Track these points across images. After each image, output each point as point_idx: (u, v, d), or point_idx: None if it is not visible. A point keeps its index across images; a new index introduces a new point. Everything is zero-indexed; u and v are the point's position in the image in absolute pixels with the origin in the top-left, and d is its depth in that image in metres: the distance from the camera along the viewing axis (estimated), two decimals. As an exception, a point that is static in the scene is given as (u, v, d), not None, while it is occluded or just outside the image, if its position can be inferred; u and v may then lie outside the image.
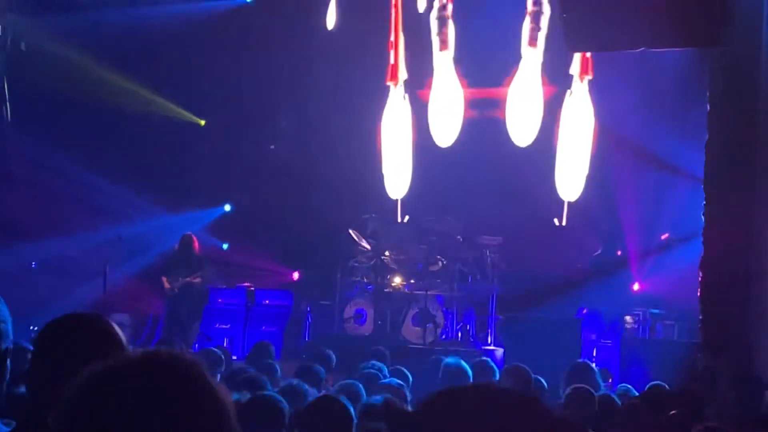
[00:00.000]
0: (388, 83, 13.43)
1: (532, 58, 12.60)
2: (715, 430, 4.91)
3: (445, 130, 13.08)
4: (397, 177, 13.41)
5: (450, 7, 12.91)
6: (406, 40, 13.36)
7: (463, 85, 13.22)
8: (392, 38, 13.26)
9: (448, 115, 13.06)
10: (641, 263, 15.46)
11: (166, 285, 14.60)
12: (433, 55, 13.10)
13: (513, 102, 12.83)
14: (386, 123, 13.47)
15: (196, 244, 14.93)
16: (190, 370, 1.52)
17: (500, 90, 13.54)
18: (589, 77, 12.52)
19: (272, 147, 18.01)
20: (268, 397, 5.65)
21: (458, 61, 13.17)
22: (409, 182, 13.42)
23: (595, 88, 12.65)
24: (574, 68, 12.48)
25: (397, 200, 13.52)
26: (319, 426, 5.01)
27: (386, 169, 13.52)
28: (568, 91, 12.71)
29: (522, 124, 12.73)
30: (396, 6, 13.17)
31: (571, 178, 12.75)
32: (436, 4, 12.93)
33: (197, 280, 14.65)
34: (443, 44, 12.98)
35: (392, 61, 13.27)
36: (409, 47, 13.38)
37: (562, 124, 12.68)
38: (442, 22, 12.95)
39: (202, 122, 17.59)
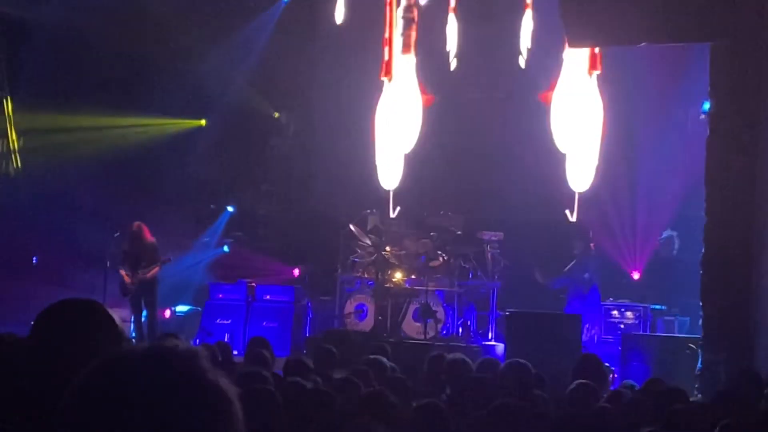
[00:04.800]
0: (382, 78, 13.32)
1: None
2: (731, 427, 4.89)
3: (401, 135, 12.68)
4: (389, 169, 13.23)
5: (416, 11, 12.55)
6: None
7: (422, 90, 12.92)
8: (387, 35, 13.10)
9: (403, 120, 12.66)
10: (642, 253, 15.50)
11: (127, 279, 14.15)
12: (394, 56, 12.69)
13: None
14: (379, 117, 13.38)
15: (147, 233, 14.35)
16: (191, 361, 1.56)
17: None
18: (598, 72, 12.25)
19: (272, 145, 18.02)
20: (262, 390, 5.66)
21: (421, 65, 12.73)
22: (401, 175, 13.26)
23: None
24: (582, 63, 12.19)
25: (389, 192, 13.34)
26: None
27: (379, 160, 13.40)
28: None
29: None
30: (391, 2, 13.02)
31: (581, 170, 12.50)
32: (403, 2, 12.58)
33: (155, 271, 14.22)
34: (406, 47, 12.70)
35: (386, 57, 13.13)
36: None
37: (571, 119, 12.38)
38: (407, 23, 12.64)
39: (203, 122, 17.54)
